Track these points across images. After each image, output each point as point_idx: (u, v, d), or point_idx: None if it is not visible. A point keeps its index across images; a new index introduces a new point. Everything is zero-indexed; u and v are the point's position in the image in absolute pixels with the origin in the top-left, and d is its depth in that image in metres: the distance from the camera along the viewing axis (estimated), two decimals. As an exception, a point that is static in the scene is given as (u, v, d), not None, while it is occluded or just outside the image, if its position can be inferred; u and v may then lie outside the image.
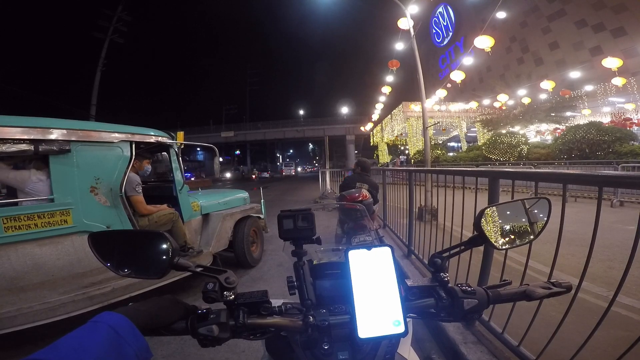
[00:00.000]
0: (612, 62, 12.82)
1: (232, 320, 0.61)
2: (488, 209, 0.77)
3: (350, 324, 0.57)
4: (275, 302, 0.70)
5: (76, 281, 2.51)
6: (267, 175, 46.21)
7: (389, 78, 16.96)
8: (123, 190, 2.85)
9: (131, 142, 2.96)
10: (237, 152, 64.87)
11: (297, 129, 47.37)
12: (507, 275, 1.95)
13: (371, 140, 34.80)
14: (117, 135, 2.88)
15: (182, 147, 3.60)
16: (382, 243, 0.66)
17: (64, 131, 2.55)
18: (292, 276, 0.72)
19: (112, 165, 2.85)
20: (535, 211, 0.81)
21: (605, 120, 18.03)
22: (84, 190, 2.66)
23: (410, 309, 0.66)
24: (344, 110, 45.33)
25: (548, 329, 1.58)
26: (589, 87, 18.56)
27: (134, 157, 2.96)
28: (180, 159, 3.46)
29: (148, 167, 3.41)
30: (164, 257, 0.63)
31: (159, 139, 3.27)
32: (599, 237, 1.40)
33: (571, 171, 1.56)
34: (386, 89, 18.83)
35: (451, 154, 22.53)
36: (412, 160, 20.74)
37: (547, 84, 16.42)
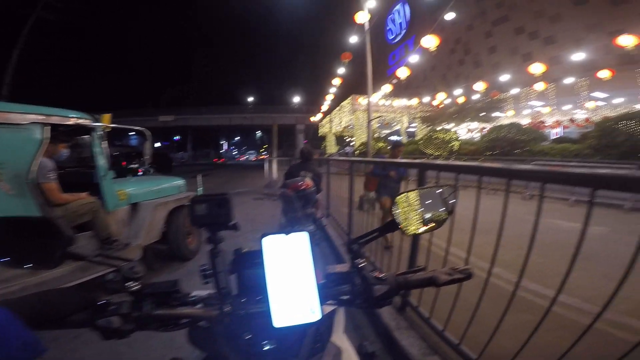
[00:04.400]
0: (537, 68, 14.32)
1: (136, 311, 0.58)
2: (401, 197, 0.79)
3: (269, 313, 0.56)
4: (200, 293, 0.68)
5: None
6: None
7: (341, 70, 17.21)
8: (33, 177, 2.53)
9: (44, 124, 2.64)
10: (177, 137, 61.05)
11: (245, 115, 45.94)
12: (433, 261, 2.13)
13: (320, 131, 35.18)
14: (27, 116, 2.54)
15: (109, 130, 3.29)
16: (299, 229, 0.65)
17: None
18: (205, 264, 0.70)
19: (19, 149, 2.52)
20: (446, 198, 0.83)
21: (525, 121, 20.34)
22: None
23: (328, 295, 0.66)
24: (295, 99, 45.08)
25: (470, 314, 1.72)
26: (515, 90, 20.66)
27: (47, 140, 2.65)
28: (106, 143, 3.16)
29: (64, 152, 3.06)
30: (55, 246, 0.59)
31: (79, 121, 2.97)
32: (512, 226, 1.59)
33: (485, 164, 1.82)
34: (337, 81, 19.12)
35: (392, 147, 23.65)
36: (356, 152, 21.40)
37: (481, 85, 17.98)
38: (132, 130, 3.86)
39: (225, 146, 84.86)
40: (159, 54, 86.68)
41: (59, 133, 3.03)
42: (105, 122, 3.25)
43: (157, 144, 51.30)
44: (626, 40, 10.72)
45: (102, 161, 3.15)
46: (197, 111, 45.82)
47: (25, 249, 0.61)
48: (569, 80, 17.74)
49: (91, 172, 3.44)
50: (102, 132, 3.20)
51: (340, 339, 0.78)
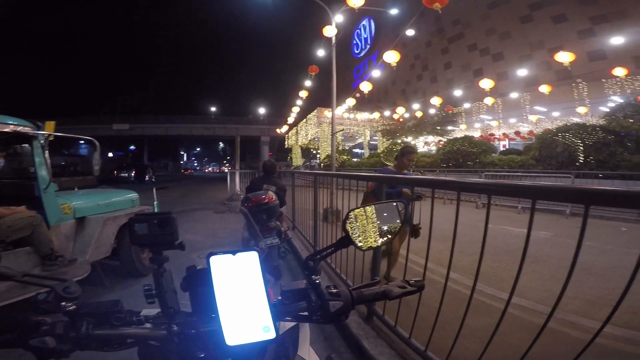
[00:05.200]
0: (486, 83, 15.26)
1: (73, 331, 0.55)
2: (354, 211, 0.80)
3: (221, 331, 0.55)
4: (149, 312, 0.66)
5: None
6: None
7: (308, 83, 17.38)
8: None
9: None
10: (132, 147, 57.73)
11: (207, 126, 44.71)
12: (398, 269, 2.17)
13: (286, 143, 35.16)
14: None
15: (51, 139, 3.05)
16: (248, 248, 0.64)
17: None
18: (150, 284, 0.67)
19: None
20: (400, 211, 0.86)
21: (476, 134, 21.79)
22: None
23: (286, 312, 0.66)
24: (261, 110, 44.72)
25: (434, 319, 1.76)
26: (467, 105, 22.11)
27: None
28: (47, 152, 2.92)
29: (0, 161, 2.79)
30: None
31: (18, 128, 2.72)
32: (468, 233, 1.66)
33: (438, 178, 1.94)
34: (303, 94, 19.26)
35: (355, 159, 24.28)
36: (321, 164, 21.67)
37: (436, 100, 19.00)
38: (80, 139, 3.59)
39: (185, 157, 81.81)
40: (114, 59, 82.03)
41: None
42: (48, 130, 3.02)
43: (110, 154, 48.13)
44: (564, 57, 11.49)
45: (43, 172, 2.90)
46: (155, 120, 43.81)
47: None
48: (514, 95, 19.35)
49: (32, 184, 3.16)
50: (44, 141, 2.96)
51: (306, 352, 0.78)
